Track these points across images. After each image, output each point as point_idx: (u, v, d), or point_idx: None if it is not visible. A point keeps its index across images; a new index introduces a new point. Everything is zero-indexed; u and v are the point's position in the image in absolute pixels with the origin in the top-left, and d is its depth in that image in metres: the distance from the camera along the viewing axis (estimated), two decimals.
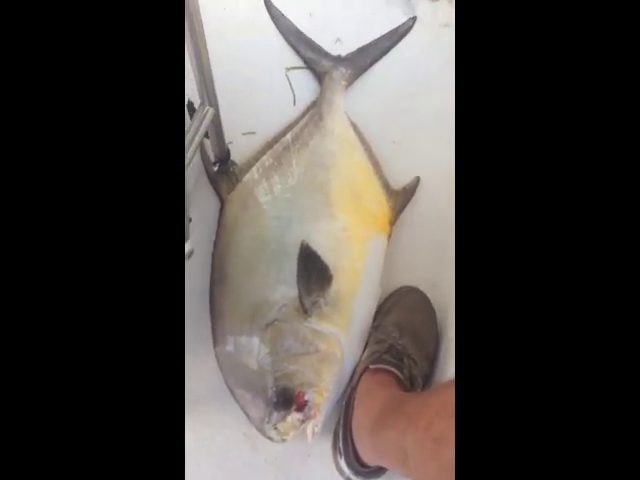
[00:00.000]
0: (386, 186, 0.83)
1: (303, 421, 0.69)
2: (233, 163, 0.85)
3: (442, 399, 0.52)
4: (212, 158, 0.83)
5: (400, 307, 0.78)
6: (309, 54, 0.91)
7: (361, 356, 0.75)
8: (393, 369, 0.69)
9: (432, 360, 0.76)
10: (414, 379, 0.69)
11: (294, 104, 0.90)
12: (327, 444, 0.74)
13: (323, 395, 0.70)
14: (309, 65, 0.91)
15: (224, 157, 0.83)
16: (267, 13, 0.93)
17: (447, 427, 0.46)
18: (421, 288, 0.80)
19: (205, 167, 0.84)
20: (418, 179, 0.86)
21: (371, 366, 0.70)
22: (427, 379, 0.74)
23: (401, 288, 0.80)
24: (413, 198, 0.85)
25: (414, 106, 0.90)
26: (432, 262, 0.83)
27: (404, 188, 0.85)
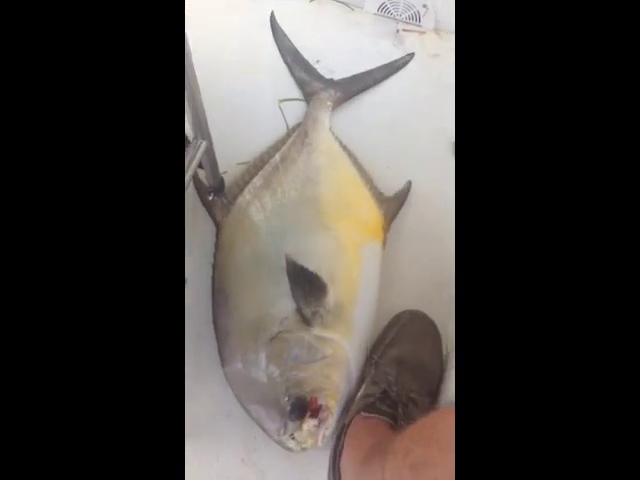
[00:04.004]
0: (377, 194, 0.86)
1: (318, 426, 0.69)
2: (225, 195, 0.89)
3: (416, 426, 0.52)
4: (207, 186, 0.87)
5: (404, 338, 0.76)
6: (302, 74, 0.97)
7: (358, 391, 0.73)
8: (386, 419, 0.67)
9: (436, 393, 0.73)
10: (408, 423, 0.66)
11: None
12: (324, 472, 0.73)
13: (335, 397, 0.71)
14: (300, 85, 0.96)
15: (218, 186, 0.87)
16: (259, 53, 1.00)
17: (423, 451, 0.47)
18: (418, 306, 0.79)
19: (199, 195, 0.88)
20: (410, 183, 0.89)
21: (363, 414, 0.69)
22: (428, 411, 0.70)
23: (405, 313, 0.78)
24: (406, 214, 0.88)
25: (406, 130, 0.95)
26: (428, 280, 0.84)
27: (396, 194, 0.88)
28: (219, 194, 0.88)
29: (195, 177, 0.87)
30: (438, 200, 0.89)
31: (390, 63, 0.99)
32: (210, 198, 0.87)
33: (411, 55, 1.00)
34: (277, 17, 1.03)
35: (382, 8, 1.03)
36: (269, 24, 1.03)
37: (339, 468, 0.68)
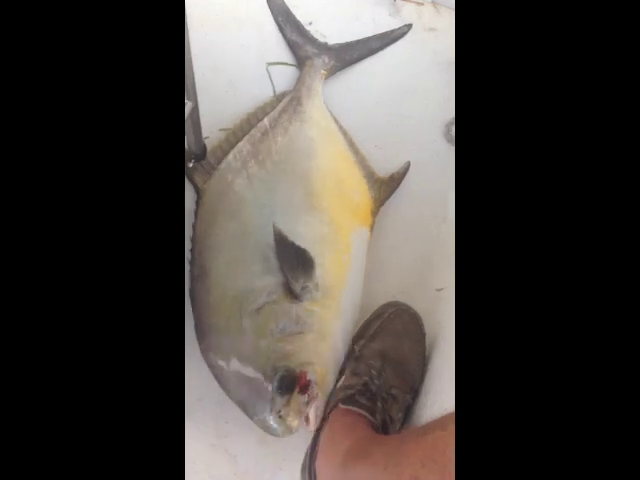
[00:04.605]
0: (368, 175, 0.82)
1: (308, 403, 0.66)
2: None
3: (426, 446, 0.46)
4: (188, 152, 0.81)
5: (387, 332, 0.73)
6: (294, 37, 0.90)
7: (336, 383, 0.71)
8: (364, 412, 0.65)
9: (417, 389, 0.71)
10: (387, 423, 0.65)
11: None
12: (298, 457, 0.70)
13: (323, 372, 0.68)
14: (291, 47, 0.90)
15: (200, 153, 0.81)
16: (246, 6, 0.92)
17: (437, 479, 0.43)
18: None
19: None
20: (408, 165, 0.85)
21: (342, 405, 0.66)
22: (409, 409, 0.70)
23: (390, 306, 0.75)
24: (394, 197, 0.84)
25: (397, 109, 0.90)
26: (410, 268, 0.82)
27: (391, 176, 0.83)
28: (200, 161, 0.82)
29: None
30: (429, 183, 0.87)
31: (387, 33, 0.93)
32: (190, 165, 0.81)
33: (409, 26, 0.94)
34: None
35: None
36: None
37: (315, 469, 0.65)
